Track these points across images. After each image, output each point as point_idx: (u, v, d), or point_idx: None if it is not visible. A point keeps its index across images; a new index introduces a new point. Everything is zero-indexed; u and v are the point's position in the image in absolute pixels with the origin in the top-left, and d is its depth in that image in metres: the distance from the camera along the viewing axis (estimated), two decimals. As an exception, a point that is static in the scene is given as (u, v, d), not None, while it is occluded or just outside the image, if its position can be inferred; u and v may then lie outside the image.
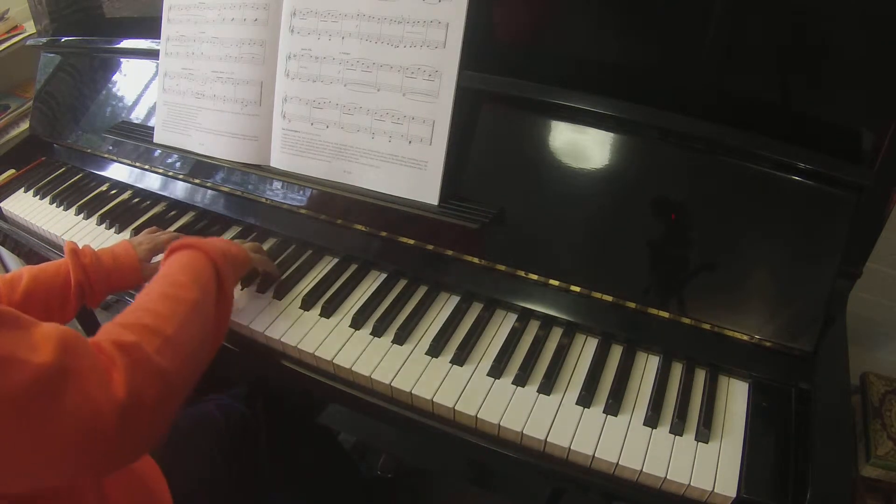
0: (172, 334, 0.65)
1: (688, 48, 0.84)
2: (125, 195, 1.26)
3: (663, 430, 0.76)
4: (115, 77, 1.29)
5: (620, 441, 0.74)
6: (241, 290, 0.97)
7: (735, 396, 0.80)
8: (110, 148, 1.27)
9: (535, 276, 0.89)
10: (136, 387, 0.57)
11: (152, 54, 1.17)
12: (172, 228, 1.13)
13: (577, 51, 0.91)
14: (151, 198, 1.23)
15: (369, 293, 0.95)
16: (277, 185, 1.06)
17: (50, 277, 0.86)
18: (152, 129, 1.15)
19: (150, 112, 1.21)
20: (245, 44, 1.02)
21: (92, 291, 0.89)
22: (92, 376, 0.55)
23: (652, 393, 0.80)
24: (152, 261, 0.99)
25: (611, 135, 0.85)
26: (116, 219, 1.17)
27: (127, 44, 1.24)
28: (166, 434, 0.63)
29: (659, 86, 0.87)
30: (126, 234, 1.14)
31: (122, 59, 1.28)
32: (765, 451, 0.73)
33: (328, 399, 0.92)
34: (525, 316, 0.90)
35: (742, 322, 0.80)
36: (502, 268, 0.91)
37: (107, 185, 1.30)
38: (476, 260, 0.92)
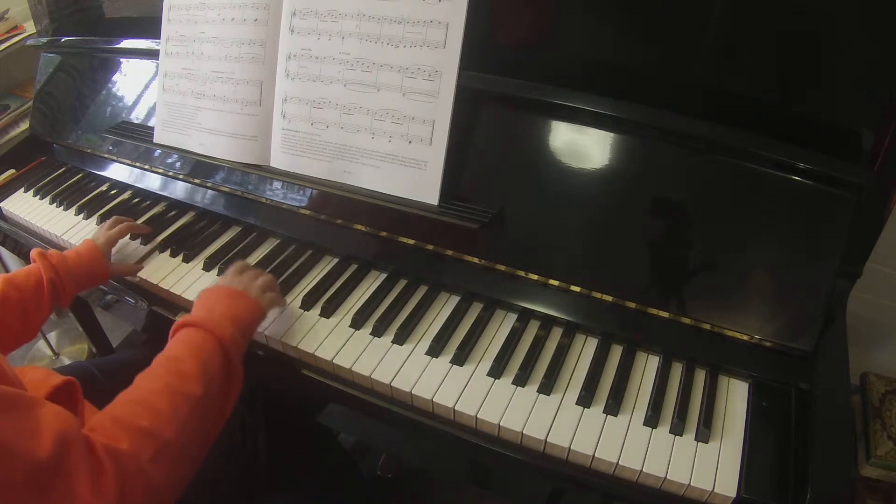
0: (172, 438, 0.63)
1: (687, 48, 0.84)
2: (125, 195, 1.26)
3: (663, 430, 0.76)
4: (115, 77, 1.29)
5: (620, 441, 0.74)
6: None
7: (735, 396, 0.80)
8: (110, 148, 1.27)
9: (534, 276, 0.89)
10: (125, 499, 0.56)
11: (152, 54, 1.17)
12: (172, 228, 1.14)
13: (576, 51, 0.91)
14: (151, 198, 1.23)
15: (369, 293, 0.95)
16: (277, 185, 1.06)
17: (23, 281, 0.90)
18: (152, 129, 1.15)
19: (150, 112, 1.21)
20: (245, 44, 1.02)
21: (63, 288, 0.93)
22: (82, 479, 0.53)
23: (652, 393, 0.80)
24: (111, 254, 1.05)
25: (610, 135, 0.85)
26: (116, 219, 1.17)
27: (127, 44, 1.24)
28: None
29: (658, 85, 0.87)
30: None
31: (121, 59, 1.28)
32: (765, 451, 0.73)
33: (328, 399, 0.92)
34: (525, 316, 0.90)
35: (742, 322, 0.80)
36: (502, 268, 0.91)
37: (107, 185, 1.30)
38: (476, 260, 0.92)
